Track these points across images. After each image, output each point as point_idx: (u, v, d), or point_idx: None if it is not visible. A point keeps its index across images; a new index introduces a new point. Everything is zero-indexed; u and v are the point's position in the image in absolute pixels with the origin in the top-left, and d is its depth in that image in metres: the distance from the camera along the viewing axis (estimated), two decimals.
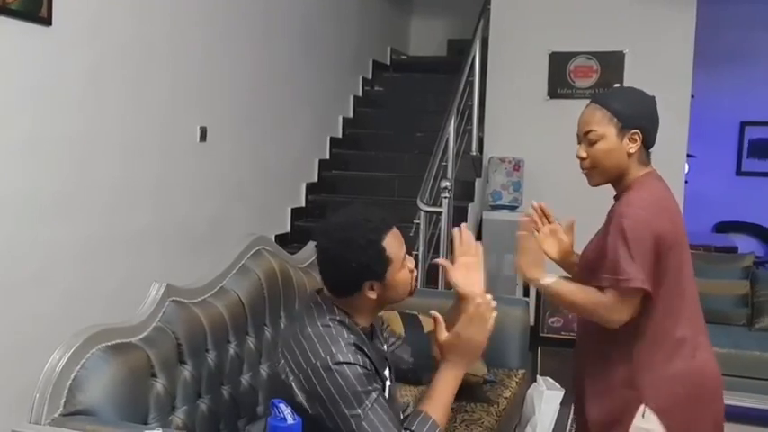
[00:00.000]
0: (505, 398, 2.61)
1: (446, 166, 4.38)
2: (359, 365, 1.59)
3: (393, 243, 1.68)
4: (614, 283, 1.77)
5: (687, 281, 1.89)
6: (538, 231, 2.09)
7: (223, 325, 2.15)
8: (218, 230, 3.92)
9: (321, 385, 1.58)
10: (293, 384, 1.62)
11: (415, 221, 4.08)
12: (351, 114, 5.87)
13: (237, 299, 2.24)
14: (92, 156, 3.09)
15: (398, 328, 2.70)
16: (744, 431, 3.46)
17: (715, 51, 6.42)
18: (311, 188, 5.16)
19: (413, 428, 1.61)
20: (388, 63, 6.67)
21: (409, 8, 7.23)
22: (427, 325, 2.72)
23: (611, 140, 1.85)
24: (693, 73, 4.88)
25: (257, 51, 4.35)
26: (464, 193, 4.90)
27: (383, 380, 1.73)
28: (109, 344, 1.74)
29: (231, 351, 2.17)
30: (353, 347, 1.62)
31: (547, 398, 2.15)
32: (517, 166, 4.86)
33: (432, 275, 3.98)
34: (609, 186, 1.95)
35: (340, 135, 5.65)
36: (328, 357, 1.58)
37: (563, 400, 2.09)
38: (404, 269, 1.71)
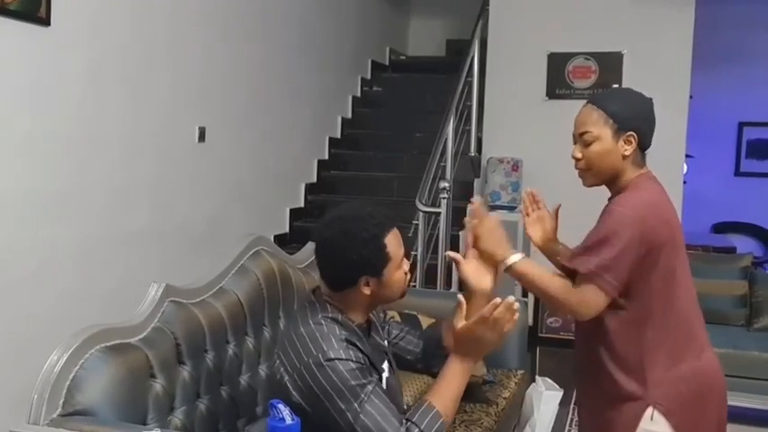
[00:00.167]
0: (504, 398, 2.61)
1: (445, 166, 4.38)
2: (351, 360, 1.60)
3: (393, 242, 1.70)
4: (591, 273, 1.77)
5: (682, 281, 1.88)
6: (527, 216, 2.09)
7: (222, 325, 2.15)
8: (216, 231, 3.92)
9: (315, 382, 1.58)
10: (288, 384, 1.62)
11: (413, 222, 4.08)
12: (349, 115, 5.87)
13: (236, 299, 2.24)
14: (90, 156, 3.09)
15: None
16: (742, 431, 3.46)
17: (713, 52, 6.43)
18: (310, 188, 5.16)
19: (414, 419, 1.60)
20: (387, 63, 6.67)
21: (408, 8, 7.24)
22: (426, 325, 2.72)
23: (607, 142, 1.85)
24: (692, 73, 4.88)
25: (256, 52, 4.35)
26: (463, 193, 4.90)
27: (379, 372, 1.73)
28: (108, 344, 1.74)
29: (230, 351, 2.17)
30: (345, 343, 1.63)
31: (546, 398, 2.15)
32: (516, 166, 4.87)
33: (430, 276, 3.98)
34: (606, 187, 1.95)
35: (339, 135, 5.65)
36: (320, 354, 1.59)
37: (562, 400, 2.09)
38: (400, 269, 1.73)
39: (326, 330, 1.64)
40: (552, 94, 5.08)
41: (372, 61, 6.33)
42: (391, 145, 5.57)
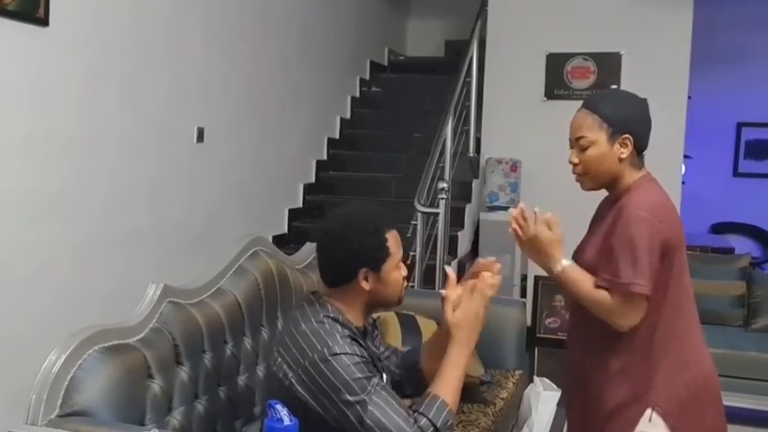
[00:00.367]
0: (502, 399, 2.61)
1: (443, 166, 4.38)
2: (356, 355, 1.61)
3: (393, 241, 1.73)
4: (623, 287, 1.75)
5: (687, 284, 1.89)
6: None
7: (220, 326, 2.15)
8: (215, 231, 3.92)
9: (321, 377, 1.59)
10: (293, 381, 1.62)
11: (412, 222, 4.08)
12: (348, 115, 5.87)
13: (234, 300, 2.24)
14: (89, 156, 3.09)
15: (395, 328, 2.70)
16: None
17: (712, 52, 6.43)
18: (308, 189, 5.16)
19: (421, 410, 1.61)
20: (386, 64, 6.67)
21: (407, 9, 7.24)
22: (424, 326, 2.73)
23: (603, 146, 1.84)
24: (690, 74, 4.89)
25: (255, 52, 4.35)
26: (461, 193, 4.90)
27: (380, 371, 1.75)
28: (106, 345, 1.74)
29: (228, 352, 2.18)
30: (348, 339, 1.64)
31: (544, 398, 2.16)
32: (514, 166, 4.87)
33: (429, 276, 3.98)
34: (606, 190, 1.95)
35: (337, 136, 5.65)
36: (325, 349, 1.60)
37: (560, 400, 2.09)
38: (398, 271, 1.74)
39: (329, 328, 1.65)
40: (551, 94, 5.09)
41: (371, 62, 6.33)
42: (390, 145, 5.57)
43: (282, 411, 1.42)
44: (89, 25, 3.04)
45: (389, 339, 2.62)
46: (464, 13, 5.79)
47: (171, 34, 3.58)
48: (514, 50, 5.15)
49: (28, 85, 2.78)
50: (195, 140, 3.79)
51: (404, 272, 1.78)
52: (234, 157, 4.17)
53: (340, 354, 1.59)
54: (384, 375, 1.79)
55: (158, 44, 3.48)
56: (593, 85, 4.98)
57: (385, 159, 5.42)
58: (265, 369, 2.32)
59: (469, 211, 4.90)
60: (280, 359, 1.67)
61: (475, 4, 5.30)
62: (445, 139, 4.37)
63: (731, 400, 3.53)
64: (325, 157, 5.44)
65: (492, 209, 4.86)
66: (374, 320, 2.03)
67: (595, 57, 5.00)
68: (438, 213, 3.98)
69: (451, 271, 1.77)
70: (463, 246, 4.70)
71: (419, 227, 3.98)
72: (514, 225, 1.92)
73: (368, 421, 1.56)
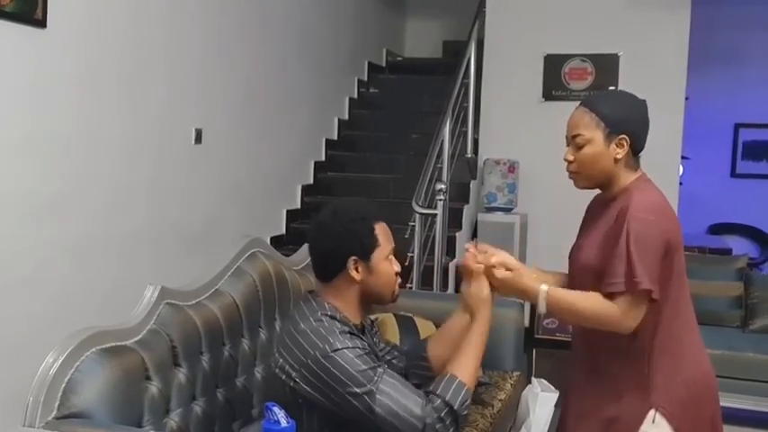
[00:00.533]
0: (500, 400, 2.61)
1: (441, 167, 4.38)
2: (357, 348, 1.62)
3: (382, 231, 1.76)
4: (631, 287, 1.73)
5: (686, 283, 1.89)
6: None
7: (218, 327, 2.15)
8: (213, 232, 3.92)
9: (326, 373, 1.59)
10: (298, 380, 1.63)
11: (410, 223, 4.08)
12: (346, 116, 5.87)
13: (232, 301, 2.24)
14: (88, 157, 3.09)
15: (393, 329, 2.70)
16: None
17: (709, 53, 6.44)
18: (306, 190, 5.16)
19: (438, 391, 1.61)
20: (384, 65, 6.67)
21: (404, 10, 7.24)
22: (422, 327, 2.73)
23: (599, 145, 1.83)
24: (687, 75, 4.89)
25: (253, 53, 4.35)
26: (459, 194, 4.91)
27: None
28: (103, 347, 1.74)
29: (226, 353, 2.18)
30: (348, 335, 1.65)
31: (541, 400, 2.15)
32: (512, 167, 4.87)
33: (427, 277, 3.98)
34: (600, 190, 1.95)
35: (335, 137, 5.65)
36: (326, 346, 1.61)
37: (558, 402, 2.08)
38: (389, 262, 1.76)
39: (327, 325, 1.66)
40: (549, 95, 5.09)
41: (369, 62, 6.33)
42: (388, 146, 5.58)
43: (280, 413, 1.43)
44: (87, 27, 3.04)
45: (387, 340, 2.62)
46: (462, 14, 5.79)
47: (169, 35, 3.58)
48: (512, 51, 5.16)
49: (26, 86, 2.78)
50: (193, 142, 3.79)
51: (396, 267, 1.79)
52: (232, 158, 4.17)
53: (342, 348, 1.61)
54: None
55: (156, 45, 3.48)
56: (590, 87, 4.99)
57: (383, 160, 5.42)
58: (264, 371, 2.32)
59: (467, 212, 4.90)
60: (281, 360, 1.67)
61: (473, 5, 5.31)
62: (443, 140, 4.37)
63: (729, 401, 3.54)
64: (323, 158, 5.44)
65: (490, 210, 4.86)
66: (372, 321, 2.04)
67: (593, 58, 5.00)
68: (436, 214, 3.98)
69: (472, 246, 1.79)
70: (461, 247, 4.70)
71: (417, 228, 3.98)
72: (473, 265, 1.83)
73: (378, 410, 1.56)
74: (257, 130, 4.45)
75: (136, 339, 1.85)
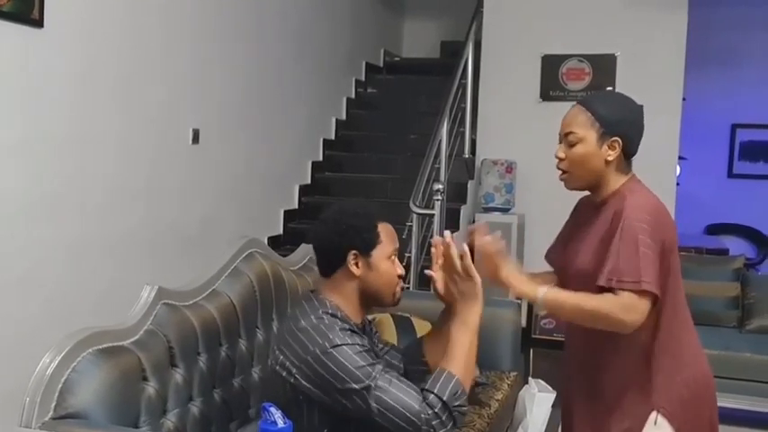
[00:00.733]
0: (497, 400, 2.61)
1: (439, 168, 4.38)
2: (357, 344, 1.63)
3: (386, 231, 1.78)
4: (634, 285, 1.72)
5: (681, 283, 1.89)
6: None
7: (215, 328, 2.14)
8: (210, 232, 3.92)
9: (325, 369, 1.60)
10: (297, 377, 1.64)
11: (407, 224, 4.08)
12: (344, 116, 5.87)
13: (229, 302, 2.24)
14: (84, 157, 3.08)
15: (390, 330, 2.70)
16: None
17: (706, 54, 6.45)
18: (304, 190, 5.16)
19: (427, 387, 1.61)
20: (382, 65, 6.67)
21: (402, 10, 7.24)
22: (419, 327, 2.73)
23: (590, 144, 1.83)
24: (685, 75, 4.90)
25: (250, 53, 4.35)
26: (457, 195, 4.91)
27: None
28: (100, 347, 1.74)
29: (223, 354, 2.17)
30: (348, 332, 1.66)
31: (538, 400, 2.15)
32: (509, 168, 4.87)
33: (424, 278, 3.98)
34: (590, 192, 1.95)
35: (333, 137, 5.65)
36: (326, 342, 1.62)
37: (555, 402, 2.09)
38: (390, 262, 1.77)
39: (328, 322, 1.67)
40: (546, 95, 5.10)
41: (366, 63, 6.33)
42: (385, 146, 5.58)
43: (276, 414, 1.43)
44: (84, 27, 3.04)
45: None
46: (459, 14, 5.80)
47: (166, 36, 3.58)
48: (510, 52, 5.16)
49: (22, 85, 2.77)
50: (191, 142, 3.78)
51: (399, 270, 1.79)
52: (229, 158, 4.16)
53: (341, 345, 1.61)
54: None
55: (153, 45, 3.48)
56: (588, 87, 4.99)
57: (380, 160, 5.42)
58: (261, 371, 2.32)
59: (465, 212, 4.90)
60: (282, 357, 1.68)
61: (470, 5, 5.31)
62: (440, 141, 4.38)
63: (726, 402, 3.53)
64: (320, 158, 5.44)
65: (487, 210, 4.86)
66: (369, 321, 2.04)
67: (590, 58, 5.01)
68: (433, 215, 3.99)
69: (449, 237, 1.78)
70: (458, 247, 4.69)
71: (414, 228, 3.99)
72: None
73: (376, 406, 1.57)
74: (255, 130, 4.45)
75: (133, 340, 1.85)
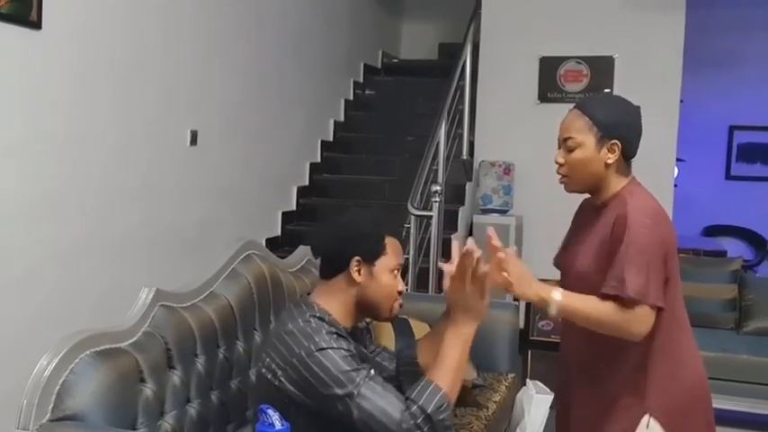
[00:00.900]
0: (495, 402, 2.61)
1: (437, 169, 4.39)
2: (342, 349, 1.62)
3: (392, 244, 1.78)
4: (641, 298, 1.72)
5: (680, 286, 1.90)
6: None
7: (212, 330, 2.14)
8: (208, 234, 3.92)
9: (310, 372, 1.59)
10: (283, 379, 1.63)
11: (405, 225, 4.09)
12: (342, 118, 5.87)
13: (227, 303, 2.24)
14: (81, 158, 3.08)
15: (388, 331, 2.70)
16: None
17: (704, 55, 6.46)
18: (302, 191, 5.16)
19: (412, 397, 1.58)
20: (380, 66, 6.67)
21: (400, 12, 7.25)
22: (417, 329, 2.72)
23: (590, 149, 1.83)
24: (682, 77, 4.91)
25: (249, 55, 4.35)
26: (455, 196, 4.91)
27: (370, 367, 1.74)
28: (98, 349, 1.74)
29: (221, 356, 2.17)
30: (335, 336, 1.65)
31: (536, 402, 2.15)
32: (507, 169, 4.88)
33: (422, 279, 3.99)
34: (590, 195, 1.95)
35: (331, 138, 5.65)
36: (311, 345, 1.61)
37: (552, 404, 2.09)
38: (392, 276, 1.77)
39: (315, 326, 1.67)
40: (544, 97, 5.10)
41: (365, 64, 6.33)
42: (383, 148, 5.58)
43: (274, 416, 1.43)
44: (82, 28, 3.04)
45: (382, 342, 2.62)
46: (458, 16, 5.80)
47: (164, 37, 3.58)
48: (508, 54, 5.17)
49: (21, 87, 2.77)
50: (189, 143, 3.78)
51: (401, 285, 1.79)
52: (227, 159, 4.16)
53: (326, 348, 1.61)
54: (372, 372, 1.79)
55: (152, 46, 3.48)
56: (586, 89, 5.00)
57: (379, 162, 5.42)
58: (257, 372, 2.32)
59: (463, 213, 4.90)
60: (268, 359, 1.68)
61: (468, 7, 5.32)
62: (438, 142, 4.38)
63: (723, 404, 3.55)
64: (318, 160, 5.44)
65: (485, 212, 4.87)
66: (367, 323, 2.04)
67: (588, 60, 5.02)
68: (431, 216, 3.99)
69: (456, 244, 1.72)
70: (456, 249, 4.69)
71: (412, 230, 3.99)
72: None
73: (358, 413, 1.56)
74: (253, 131, 4.45)
75: (130, 342, 1.84)
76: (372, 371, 1.72)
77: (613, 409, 1.87)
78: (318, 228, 1.86)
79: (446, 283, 1.69)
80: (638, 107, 1.90)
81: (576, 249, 1.93)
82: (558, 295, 1.78)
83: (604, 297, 1.76)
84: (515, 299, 3.98)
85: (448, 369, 1.63)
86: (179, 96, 3.71)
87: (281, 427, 1.42)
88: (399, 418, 1.55)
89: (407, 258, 3.95)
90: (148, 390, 1.83)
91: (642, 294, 1.72)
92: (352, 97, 6.06)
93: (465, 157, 5.03)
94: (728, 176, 7.50)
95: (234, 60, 4.19)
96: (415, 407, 1.56)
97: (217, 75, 4.02)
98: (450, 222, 4.59)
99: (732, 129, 7.45)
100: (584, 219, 1.98)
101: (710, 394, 1.94)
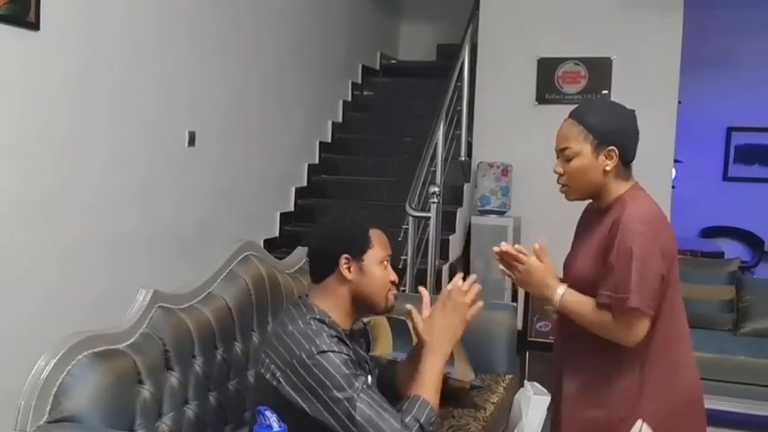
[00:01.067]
0: (492, 403, 2.61)
1: (435, 170, 4.39)
2: (342, 353, 1.63)
3: (377, 236, 1.79)
4: (627, 307, 1.74)
5: (680, 291, 1.90)
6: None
7: (210, 331, 2.14)
8: (206, 235, 3.92)
9: (309, 374, 1.60)
10: (281, 380, 1.63)
11: (403, 226, 4.09)
12: (340, 119, 5.87)
13: (225, 305, 2.24)
14: (79, 159, 3.08)
15: (386, 333, 2.70)
16: None
17: (702, 57, 6.46)
18: (300, 192, 5.16)
19: (404, 409, 1.63)
20: (378, 68, 6.68)
21: (399, 13, 7.25)
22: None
23: (587, 157, 1.83)
24: (680, 78, 4.91)
25: (247, 56, 4.35)
26: (453, 197, 4.91)
27: (367, 373, 1.75)
28: (95, 350, 1.73)
29: (218, 357, 2.17)
30: (336, 339, 1.66)
31: (534, 403, 2.15)
32: (505, 170, 4.88)
33: (420, 280, 3.99)
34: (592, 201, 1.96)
35: (329, 139, 5.65)
36: (312, 348, 1.62)
37: (550, 405, 2.09)
38: (383, 267, 1.78)
39: (315, 328, 1.67)
40: (542, 99, 5.11)
41: (363, 65, 6.33)
42: (381, 149, 5.58)
43: (272, 417, 1.43)
44: (80, 29, 3.04)
45: (380, 343, 2.62)
46: (456, 17, 5.80)
47: (163, 38, 3.58)
48: (506, 55, 5.17)
49: (19, 88, 2.77)
50: (187, 144, 3.78)
51: (392, 276, 1.79)
52: (226, 160, 4.16)
53: (327, 351, 1.61)
54: (370, 377, 1.80)
55: (150, 47, 3.48)
56: (583, 90, 5.01)
57: (377, 163, 5.42)
58: (255, 373, 2.32)
59: (461, 215, 4.91)
60: (267, 360, 1.68)
61: (467, 8, 5.32)
62: (437, 144, 4.38)
63: (720, 405, 3.56)
64: (317, 161, 5.43)
65: (483, 213, 4.87)
66: (365, 325, 2.04)
67: (586, 61, 5.02)
68: (429, 217, 3.99)
69: (425, 292, 1.82)
70: (454, 250, 4.70)
71: (410, 231, 3.99)
72: (502, 267, 1.94)
73: (358, 418, 1.56)
74: (251, 132, 4.45)
75: (128, 343, 1.84)
76: (370, 378, 1.73)
77: (608, 414, 1.86)
78: (311, 231, 1.87)
79: (418, 323, 1.74)
80: (633, 111, 1.90)
81: (576, 252, 1.94)
82: (561, 290, 1.85)
83: (599, 305, 1.80)
84: (514, 299, 3.99)
85: (429, 385, 1.68)
86: (178, 97, 3.71)
87: (278, 429, 1.42)
88: (400, 427, 1.57)
89: (405, 260, 3.95)
90: (146, 391, 1.83)
91: (633, 302, 1.73)
92: (350, 98, 6.06)
93: (463, 159, 5.03)
94: (726, 178, 7.51)
95: (232, 61, 4.19)
96: (409, 417, 1.60)
97: (215, 76, 4.02)
98: (448, 223, 4.59)
99: (730, 130, 7.46)
100: (587, 223, 1.99)
101: (702, 401, 1.94)
